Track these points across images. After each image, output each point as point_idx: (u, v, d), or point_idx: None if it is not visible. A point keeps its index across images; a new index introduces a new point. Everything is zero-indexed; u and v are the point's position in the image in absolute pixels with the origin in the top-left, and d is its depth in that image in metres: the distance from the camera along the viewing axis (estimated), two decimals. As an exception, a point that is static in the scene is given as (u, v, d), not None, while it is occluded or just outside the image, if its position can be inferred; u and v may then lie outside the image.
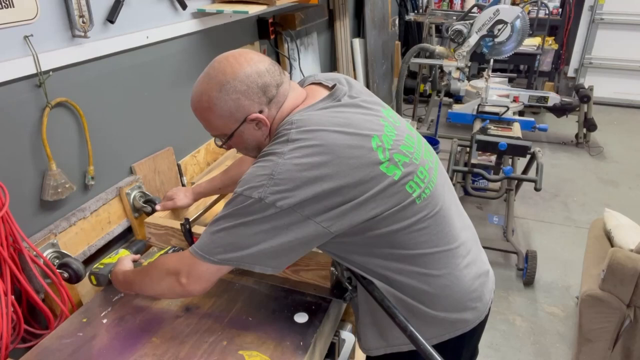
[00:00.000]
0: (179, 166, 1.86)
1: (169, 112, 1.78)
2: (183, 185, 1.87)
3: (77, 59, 1.35)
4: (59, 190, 1.32)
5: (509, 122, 3.19)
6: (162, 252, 1.44)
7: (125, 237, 1.63)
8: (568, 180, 3.94)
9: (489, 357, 2.28)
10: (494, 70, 3.69)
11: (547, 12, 5.07)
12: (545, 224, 3.34)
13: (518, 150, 2.82)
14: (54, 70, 1.27)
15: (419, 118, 4.58)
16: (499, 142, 2.78)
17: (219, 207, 1.73)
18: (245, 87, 1.01)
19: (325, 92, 1.09)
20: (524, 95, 3.73)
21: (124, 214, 1.59)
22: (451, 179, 2.57)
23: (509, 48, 3.19)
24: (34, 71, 1.21)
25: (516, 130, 3.06)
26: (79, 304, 1.39)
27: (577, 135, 4.57)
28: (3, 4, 1.11)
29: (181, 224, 1.42)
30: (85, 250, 1.43)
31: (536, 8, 4.88)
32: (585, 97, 4.29)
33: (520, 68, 5.89)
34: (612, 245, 2.08)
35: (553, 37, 5.43)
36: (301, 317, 1.23)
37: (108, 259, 1.37)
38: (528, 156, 2.97)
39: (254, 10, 1.81)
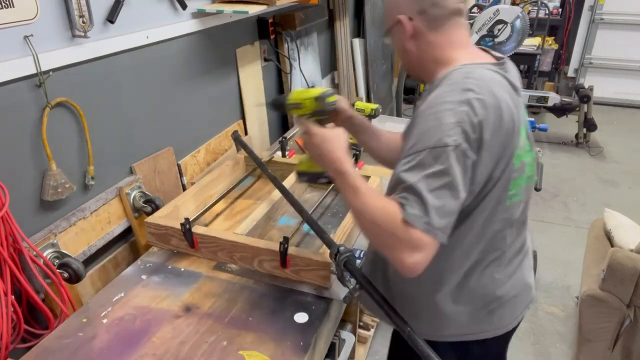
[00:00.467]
0: (179, 166, 1.86)
1: (168, 112, 1.78)
2: (183, 185, 1.87)
3: (77, 59, 1.35)
4: (59, 190, 1.32)
5: (509, 122, 3.18)
6: None
7: (125, 237, 1.64)
8: (568, 180, 3.94)
9: (489, 357, 2.27)
10: (494, 70, 3.67)
11: (547, 12, 5.07)
12: (545, 223, 3.34)
13: (518, 150, 2.81)
14: (54, 70, 1.27)
15: (419, 118, 4.57)
16: (499, 142, 2.77)
17: (219, 207, 1.73)
18: None
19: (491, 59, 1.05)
20: (524, 95, 3.74)
21: (124, 214, 1.59)
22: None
23: (509, 48, 3.19)
24: (34, 71, 1.22)
25: (516, 130, 3.05)
26: (79, 304, 1.39)
27: (577, 135, 4.57)
28: (3, 4, 1.11)
29: (181, 224, 1.42)
30: (85, 250, 1.44)
31: (536, 8, 4.88)
32: (585, 97, 4.29)
33: (520, 68, 5.88)
34: (612, 245, 2.08)
35: (553, 37, 5.44)
36: (301, 317, 1.23)
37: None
38: (528, 156, 2.96)
39: (254, 10, 1.81)
